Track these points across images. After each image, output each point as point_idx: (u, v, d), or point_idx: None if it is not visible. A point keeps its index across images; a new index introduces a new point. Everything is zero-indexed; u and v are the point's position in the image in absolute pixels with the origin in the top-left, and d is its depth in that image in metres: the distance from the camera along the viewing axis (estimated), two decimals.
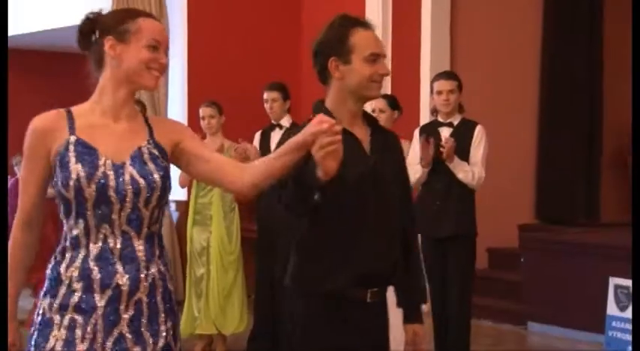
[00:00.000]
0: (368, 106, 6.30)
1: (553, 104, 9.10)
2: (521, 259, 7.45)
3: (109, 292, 2.48)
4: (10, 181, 8.98)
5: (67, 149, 2.51)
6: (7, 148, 5.99)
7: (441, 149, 5.45)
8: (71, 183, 2.47)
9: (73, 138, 2.52)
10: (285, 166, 2.52)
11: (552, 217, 8.98)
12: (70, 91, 13.04)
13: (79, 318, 2.47)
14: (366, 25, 2.96)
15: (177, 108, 8.32)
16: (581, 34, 9.24)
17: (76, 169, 2.47)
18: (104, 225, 2.49)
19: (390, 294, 3.14)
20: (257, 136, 6.55)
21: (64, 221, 2.54)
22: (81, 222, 2.50)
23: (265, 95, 6.36)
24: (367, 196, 2.66)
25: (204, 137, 6.46)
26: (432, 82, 5.74)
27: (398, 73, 8.13)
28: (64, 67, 12.29)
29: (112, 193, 2.48)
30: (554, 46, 9.08)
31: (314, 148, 2.41)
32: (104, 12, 2.65)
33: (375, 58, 2.91)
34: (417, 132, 5.85)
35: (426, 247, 5.75)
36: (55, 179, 2.52)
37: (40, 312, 2.53)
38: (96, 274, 2.48)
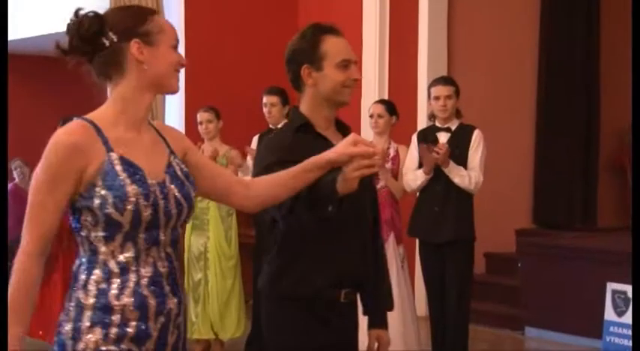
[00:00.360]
0: (367, 112, 6.33)
1: (550, 109, 9.11)
2: (519, 264, 7.45)
3: (161, 319, 2.35)
4: (9, 186, 8.99)
5: (112, 168, 2.28)
6: (7, 150, 6.01)
7: (435, 155, 5.46)
8: (129, 207, 2.26)
9: (114, 155, 2.29)
10: (307, 183, 2.53)
11: (549, 222, 8.99)
12: (64, 96, 13.09)
13: (134, 348, 2.32)
14: (336, 32, 2.99)
15: (174, 112, 8.32)
16: (579, 38, 9.25)
17: (134, 191, 2.28)
18: (153, 248, 2.34)
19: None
20: (254, 139, 6.56)
21: (99, 245, 2.31)
22: (130, 245, 2.31)
23: (264, 99, 6.36)
24: (343, 201, 2.69)
25: (202, 142, 6.46)
26: (429, 88, 5.75)
27: (395, 78, 8.15)
28: (59, 73, 12.34)
29: (161, 215, 2.33)
30: (552, 50, 9.09)
31: (351, 169, 2.49)
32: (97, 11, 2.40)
33: (347, 64, 2.95)
34: (414, 137, 5.85)
35: (424, 251, 5.76)
36: (92, 201, 2.27)
37: (91, 346, 2.28)
38: (151, 301, 2.32)
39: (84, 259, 2.33)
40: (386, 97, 7.84)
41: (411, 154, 5.83)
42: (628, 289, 6.16)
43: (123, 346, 2.30)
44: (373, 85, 8.16)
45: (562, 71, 9.14)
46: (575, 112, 9.22)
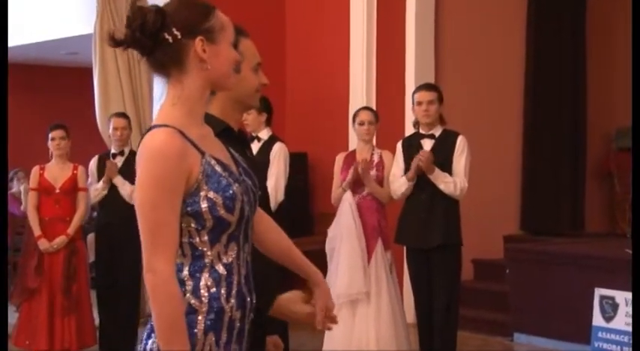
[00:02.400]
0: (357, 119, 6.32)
1: (537, 116, 9.13)
2: (507, 270, 7.45)
3: (251, 316, 2.37)
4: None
5: (213, 170, 2.24)
6: (7, 152, 5.99)
7: (419, 163, 5.47)
8: (238, 205, 2.24)
9: (208, 156, 2.24)
10: (288, 267, 2.59)
11: (537, 228, 9.00)
12: (50, 104, 13.01)
13: (237, 348, 2.32)
14: (247, 34, 2.84)
15: None
16: (565, 45, 9.28)
17: (238, 189, 2.25)
18: (246, 245, 2.33)
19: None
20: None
21: (205, 248, 2.24)
22: (233, 245, 2.28)
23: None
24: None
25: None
26: (413, 94, 5.77)
27: (383, 85, 8.15)
28: (45, 81, 12.31)
29: (251, 209, 2.33)
30: (538, 56, 9.12)
31: (318, 320, 2.54)
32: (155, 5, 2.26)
33: (259, 67, 2.83)
34: (399, 145, 5.86)
35: (412, 258, 5.77)
36: (199, 205, 2.21)
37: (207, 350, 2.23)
38: (248, 298, 2.33)
39: (186, 266, 2.25)
40: (373, 103, 7.84)
41: (397, 162, 5.84)
42: (616, 294, 6.18)
43: (234, 347, 2.31)
44: (361, 92, 8.17)
45: (549, 78, 9.17)
46: (562, 119, 9.24)
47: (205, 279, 2.25)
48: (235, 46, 2.53)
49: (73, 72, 11.76)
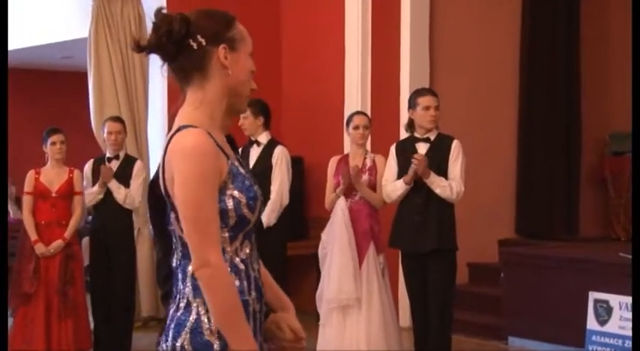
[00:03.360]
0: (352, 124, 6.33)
1: (532, 120, 9.15)
2: (501, 274, 7.47)
3: (264, 308, 2.47)
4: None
5: (238, 170, 2.37)
6: (7, 153, 5.98)
7: (414, 167, 5.47)
8: (258, 206, 2.38)
9: (232, 158, 2.38)
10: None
11: (532, 232, 9.01)
12: (48, 108, 12.97)
13: (259, 339, 2.42)
14: None
15: (157, 123, 8.30)
16: (560, 51, 9.30)
17: (258, 190, 2.39)
18: (255, 242, 2.43)
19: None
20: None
21: (225, 245, 2.34)
22: (247, 242, 2.39)
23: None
24: None
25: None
26: (415, 98, 5.70)
27: (377, 90, 8.16)
28: (36, 85, 12.30)
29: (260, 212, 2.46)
30: (533, 61, 9.14)
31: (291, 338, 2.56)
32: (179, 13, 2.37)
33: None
34: (393, 148, 5.86)
35: (407, 262, 5.77)
36: (228, 203, 2.32)
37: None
38: (263, 291, 2.44)
39: None
40: (368, 107, 7.86)
41: (390, 166, 5.83)
42: (610, 298, 6.19)
43: (259, 338, 2.40)
44: (356, 96, 8.18)
45: (543, 83, 9.19)
46: (556, 123, 9.26)
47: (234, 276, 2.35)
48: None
49: (68, 76, 11.76)
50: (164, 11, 2.36)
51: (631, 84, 5.90)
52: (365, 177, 6.01)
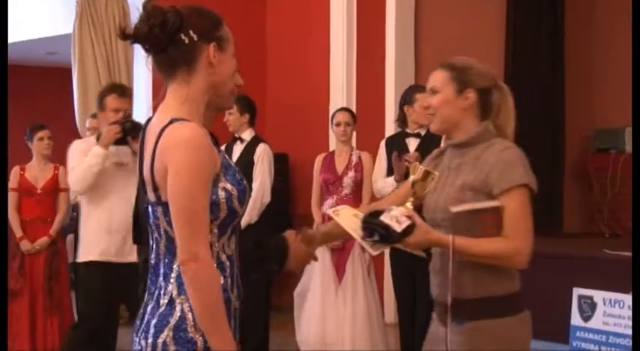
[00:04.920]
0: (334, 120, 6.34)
1: (516, 117, 9.16)
2: None
3: (241, 306, 2.48)
4: None
5: (229, 164, 2.40)
6: (7, 152, 5.95)
7: (406, 164, 5.47)
8: (247, 199, 2.40)
9: (222, 152, 2.42)
10: None
11: None
12: (32, 104, 12.88)
13: (237, 337, 2.44)
14: None
15: (142, 118, 8.25)
16: (544, 48, 9.34)
17: (246, 183, 2.41)
18: (237, 239, 2.46)
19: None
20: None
21: (213, 240, 2.34)
22: (234, 237, 2.41)
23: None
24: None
25: None
26: (413, 93, 5.68)
27: (363, 87, 8.17)
28: (21, 81, 12.24)
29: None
30: (518, 58, 9.16)
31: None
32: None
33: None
34: (383, 144, 5.86)
35: (395, 258, 5.77)
36: (220, 195, 2.33)
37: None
38: (241, 289, 2.46)
39: None
40: (354, 104, 7.86)
41: (380, 161, 5.84)
42: (594, 294, 6.22)
43: (237, 335, 2.39)
44: (341, 93, 8.18)
45: (528, 80, 9.21)
46: (540, 120, 9.29)
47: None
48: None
49: (52, 72, 11.71)
50: (155, 3, 2.37)
51: (629, 84, 5.92)
52: (351, 173, 6.01)
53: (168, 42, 2.35)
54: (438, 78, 3.00)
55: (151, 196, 2.37)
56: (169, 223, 2.31)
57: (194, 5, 2.44)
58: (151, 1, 2.39)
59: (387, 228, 2.70)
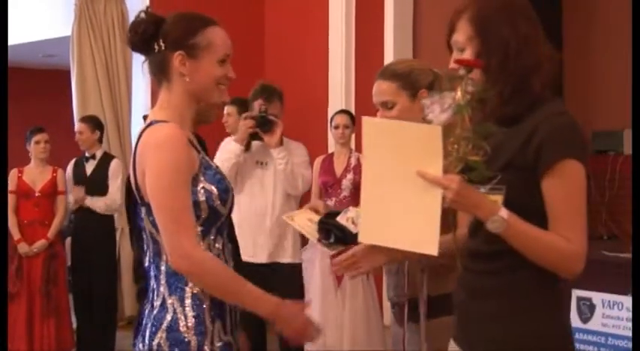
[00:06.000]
0: (333, 123, 6.34)
1: None
2: None
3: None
4: None
5: (209, 164, 2.40)
6: (7, 153, 5.97)
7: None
8: (230, 199, 2.39)
9: (202, 154, 2.42)
10: None
11: None
12: (30, 107, 12.86)
13: (237, 335, 2.47)
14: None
15: (140, 122, 8.27)
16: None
17: (229, 184, 2.41)
18: (226, 239, 2.45)
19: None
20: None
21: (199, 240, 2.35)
22: (219, 237, 2.40)
23: (225, 109, 6.42)
24: None
25: None
26: None
27: (362, 89, 8.17)
28: (27, 84, 12.24)
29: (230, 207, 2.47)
30: None
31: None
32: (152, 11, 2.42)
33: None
34: None
35: None
36: (200, 195, 2.33)
37: (216, 339, 2.34)
38: None
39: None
40: (352, 107, 7.86)
41: None
42: (592, 295, 6.22)
43: (235, 334, 2.41)
44: (340, 94, 8.18)
45: None
46: None
47: None
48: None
49: (51, 74, 11.70)
50: (149, 11, 2.39)
51: (628, 86, 5.93)
52: (350, 176, 6.02)
53: (145, 50, 2.40)
54: (386, 91, 2.93)
55: (137, 197, 2.38)
56: (153, 224, 2.32)
57: (184, 12, 2.44)
58: (147, 9, 2.42)
59: (342, 229, 2.72)
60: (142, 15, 2.39)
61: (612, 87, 9.09)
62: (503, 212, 2.14)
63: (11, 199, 6.52)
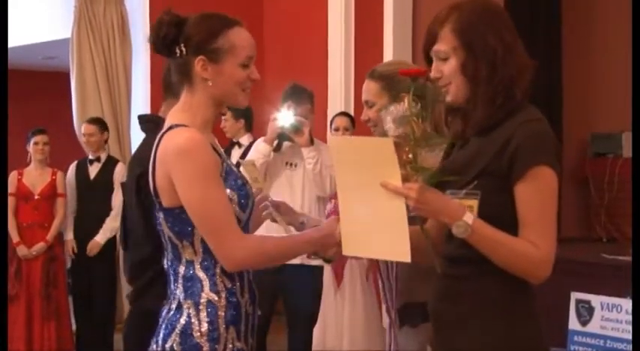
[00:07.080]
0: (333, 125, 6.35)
1: None
2: None
3: (258, 311, 2.54)
4: None
5: (231, 169, 2.39)
6: (7, 153, 5.98)
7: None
8: (250, 204, 2.40)
9: (223, 156, 2.42)
10: None
11: None
12: (31, 109, 12.85)
13: (251, 341, 2.48)
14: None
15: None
16: (541, 52, 9.34)
17: (251, 190, 2.42)
18: None
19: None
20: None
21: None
22: None
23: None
24: None
25: None
26: None
27: (361, 90, 8.16)
28: (26, 86, 12.24)
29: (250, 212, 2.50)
30: None
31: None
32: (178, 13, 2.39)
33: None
34: None
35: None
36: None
37: (229, 346, 2.35)
38: (256, 294, 2.52)
39: (197, 263, 2.33)
40: (352, 107, 7.86)
41: None
42: (592, 298, 6.21)
43: (250, 340, 2.41)
44: (339, 96, 8.18)
45: None
46: None
47: (219, 274, 2.32)
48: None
49: (51, 76, 11.70)
50: (171, 11, 2.37)
51: (627, 89, 5.93)
52: None
53: (168, 53, 2.38)
54: (370, 90, 3.00)
55: (155, 202, 2.37)
56: (171, 229, 2.32)
57: (207, 13, 2.41)
58: (170, 10, 2.39)
59: None
60: (164, 16, 2.36)
61: (612, 90, 9.10)
62: (468, 217, 2.16)
63: (11, 202, 6.52)
